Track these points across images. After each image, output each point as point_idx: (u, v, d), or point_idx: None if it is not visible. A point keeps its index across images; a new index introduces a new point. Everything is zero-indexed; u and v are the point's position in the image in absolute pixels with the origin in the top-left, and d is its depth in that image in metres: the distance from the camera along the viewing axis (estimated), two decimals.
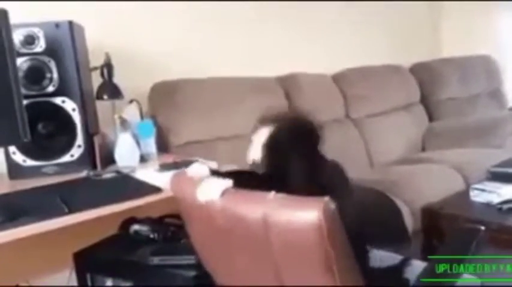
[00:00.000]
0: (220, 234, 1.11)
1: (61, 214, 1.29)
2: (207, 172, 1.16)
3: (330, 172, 1.21)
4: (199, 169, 1.18)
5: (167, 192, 1.38)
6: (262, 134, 1.18)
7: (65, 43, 1.71)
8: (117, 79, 1.97)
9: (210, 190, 1.06)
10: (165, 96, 2.26)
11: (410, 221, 2.17)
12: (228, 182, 1.05)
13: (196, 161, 1.75)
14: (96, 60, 1.94)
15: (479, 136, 3.04)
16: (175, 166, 1.66)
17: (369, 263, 1.23)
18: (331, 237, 0.89)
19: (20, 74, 1.61)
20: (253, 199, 1.01)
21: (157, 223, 1.65)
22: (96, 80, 1.96)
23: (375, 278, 1.18)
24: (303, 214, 0.90)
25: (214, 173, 1.16)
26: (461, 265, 1.15)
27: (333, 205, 0.89)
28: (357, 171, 2.58)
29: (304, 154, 1.17)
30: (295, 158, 1.15)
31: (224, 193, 1.04)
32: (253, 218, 0.97)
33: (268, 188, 0.98)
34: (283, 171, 1.14)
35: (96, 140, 1.80)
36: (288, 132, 1.18)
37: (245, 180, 1.11)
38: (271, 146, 1.16)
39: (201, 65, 2.49)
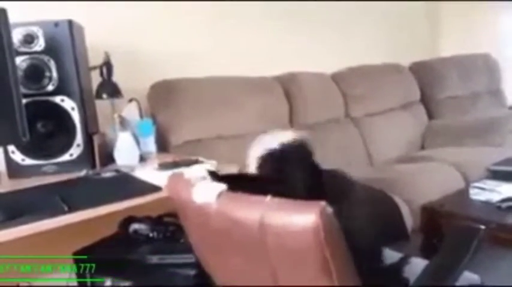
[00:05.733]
0: (216, 236, 1.11)
1: (61, 213, 1.28)
2: (204, 174, 1.16)
3: (329, 181, 1.21)
4: (197, 171, 1.18)
5: (166, 191, 1.38)
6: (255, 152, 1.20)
7: (64, 42, 1.71)
8: (116, 78, 1.97)
9: (206, 191, 1.06)
10: (164, 96, 2.26)
11: (409, 219, 2.17)
12: (223, 186, 1.05)
13: (197, 159, 1.75)
14: (95, 59, 1.94)
15: (479, 135, 3.04)
16: (174, 165, 1.66)
17: (383, 262, 1.23)
18: (328, 240, 0.89)
19: (19, 73, 1.61)
20: (250, 202, 1.01)
21: (156, 222, 1.65)
22: (96, 79, 1.96)
23: (374, 276, 1.18)
24: (300, 218, 0.90)
25: (213, 175, 1.16)
26: (462, 264, 1.15)
27: (330, 209, 0.89)
28: (356, 170, 2.59)
29: (300, 167, 1.17)
30: (291, 171, 1.15)
31: (220, 195, 1.03)
32: (250, 221, 0.97)
33: (264, 192, 0.98)
34: (281, 183, 1.14)
35: (96, 139, 1.80)
36: (280, 151, 1.19)
37: (243, 184, 1.11)
38: (266, 160, 1.17)
39: (201, 64, 2.49)
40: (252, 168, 1.19)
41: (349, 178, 1.30)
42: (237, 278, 1.15)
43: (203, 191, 1.06)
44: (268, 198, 0.96)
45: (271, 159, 1.18)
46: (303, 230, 0.89)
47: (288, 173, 1.17)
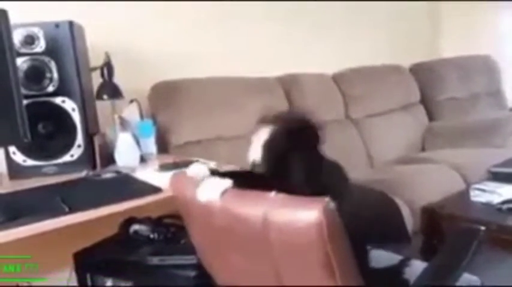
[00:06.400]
0: (219, 233, 1.11)
1: (61, 213, 1.28)
2: (206, 171, 1.16)
3: (329, 170, 1.22)
4: (199, 168, 1.18)
5: (167, 192, 1.38)
6: (262, 135, 1.19)
7: (65, 43, 1.71)
8: (117, 79, 1.97)
9: (210, 189, 1.06)
10: (165, 96, 2.26)
11: (410, 221, 2.17)
12: (228, 183, 1.05)
13: (197, 161, 1.75)
14: (96, 60, 1.94)
15: (479, 136, 3.04)
16: (175, 166, 1.66)
17: (368, 263, 1.23)
18: (332, 237, 0.89)
19: (20, 74, 1.61)
20: (254, 199, 1.01)
21: (157, 223, 1.65)
22: (96, 80, 1.96)
23: (375, 278, 1.18)
24: (304, 214, 0.90)
25: (214, 172, 1.16)
26: (462, 265, 1.15)
27: (333, 205, 0.89)
28: (356, 171, 2.59)
29: (304, 153, 1.17)
30: (294, 158, 1.15)
31: (224, 193, 1.04)
32: (254, 217, 0.97)
33: (267, 189, 0.98)
34: (283, 171, 1.14)
35: (96, 140, 1.80)
36: (287, 133, 1.17)
37: (244, 180, 1.11)
38: (270, 146, 1.16)
39: (202, 65, 2.49)
40: (256, 156, 1.18)
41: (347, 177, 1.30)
42: (240, 277, 1.15)
43: (208, 189, 1.06)
44: (272, 194, 0.96)
45: (275, 146, 1.17)
46: (306, 226, 0.89)
47: (292, 161, 1.16)
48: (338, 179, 1.24)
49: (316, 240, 0.89)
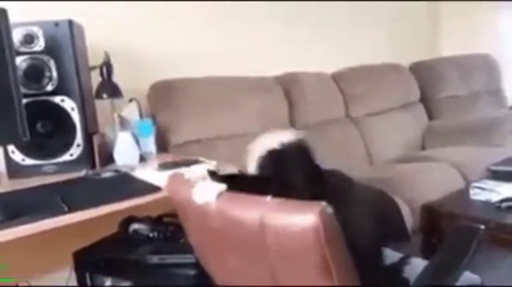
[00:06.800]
0: (216, 236, 1.11)
1: (60, 213, 1.28)
2: (204, 174, 1.16)
3: (329, 181, 1.22)
4: (197, 171, 1.18)
5: (166, 191, 1.38)
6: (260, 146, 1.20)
7: (64, 42, 1.71)
8: (116, 78, 1.97)
9: (205, 192, 1.06)
10: (164, 96, 2.26)
11: (409, 220, 2.17)
12: (222, 185, 1.05)
13: (197, 159, 1.75)
14: (95, 59, 1.94)
15: (479, 135, 3.04)
16: (174, 165, 1.66)
17: (383, 262, 1.24)
18: (328, 241, 0.88)
19: (19, 73, 1.61)
20: (250, 202, 1.01)
21: (156, 222, 1.65)
22: (96, 79, 1.96)
23: (374, 276, 1.18)
24: (300, 218, 0.90)
25: (213, 174, 1.16)
26: (462, 263, 1.15)
27: (330, 209, 0.89)
28: (356, 169, 2.60)
29: (299, 167, 1.18)
30: (292, 171, 1.16)
31: (220, 195, 1.04)
32: (250, 221, 0.97)
33: (265, 192, 0.98)
34: (281, 183, 1.14)
35: (96, 139, 1.80)
36: (281, 150, 1.19)
37: (243, 184, 1.11)
38: (267, 160, 1.17)
39: (201, 64, 2.49)
40: (252, 167, 1.20)
41: (349, 178, 1.31)
42: (237, 278, 1.15)
43: (203, 191, 1.06)
44: (269, 198, 0.96)
45: (271, 159, 1.18)
46: (303, 230, 0.89)
47: (289, 173, 1.17)
48: (340, 188, 1.24)
49: (313, 244, 0.89)
